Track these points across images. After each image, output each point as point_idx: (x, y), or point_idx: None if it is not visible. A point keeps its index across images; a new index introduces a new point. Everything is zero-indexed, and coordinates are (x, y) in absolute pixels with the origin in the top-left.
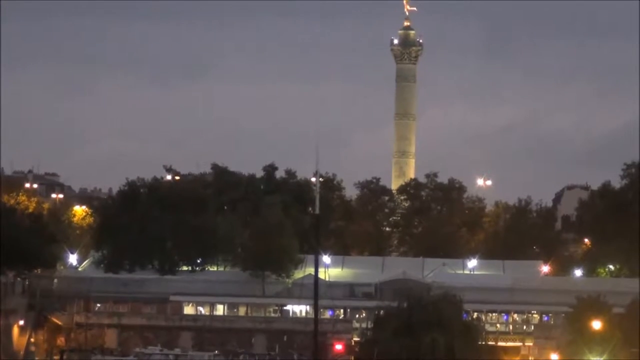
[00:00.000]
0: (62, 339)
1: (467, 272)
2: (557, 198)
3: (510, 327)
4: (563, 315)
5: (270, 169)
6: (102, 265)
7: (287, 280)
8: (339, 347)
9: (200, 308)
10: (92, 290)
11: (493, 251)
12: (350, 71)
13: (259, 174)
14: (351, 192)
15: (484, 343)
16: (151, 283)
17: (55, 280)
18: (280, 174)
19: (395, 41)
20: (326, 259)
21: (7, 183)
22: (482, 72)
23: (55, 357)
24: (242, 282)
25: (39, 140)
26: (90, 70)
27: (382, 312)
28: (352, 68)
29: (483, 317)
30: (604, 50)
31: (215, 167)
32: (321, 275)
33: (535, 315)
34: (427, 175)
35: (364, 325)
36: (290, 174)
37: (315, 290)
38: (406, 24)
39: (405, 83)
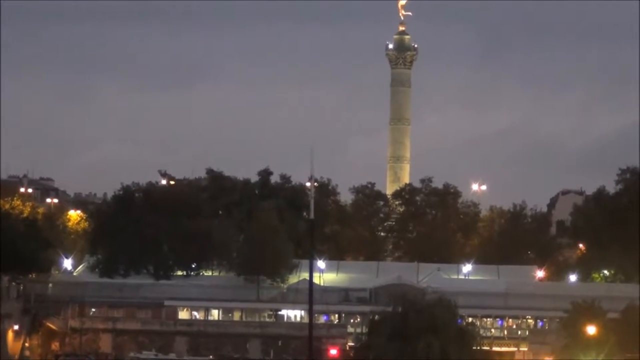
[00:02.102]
0: (57, 343)
1: (461, 277)
2: (552, 203)
3: (505, 332)
4: (558, 320)
5: (265, 174)
6: (96, 270)
7: (282, 285)
8: (333, 352)
9: (195, 313)
10: (87, 295)
11: (488, 256)
12: (345, 76)
13: (254, 178)
14: (346, 197)
15: (478, 348)
16: (146, 288)
17: (50, 285)
18: (275, 178)
19: (390, 46)
20: (321, 264)
21: (1, 188)
22: (477, 76)
23: None
24: (236, 287)
25: (34, 145)
26: (85, 74)
27: (376, 317)
28: (347, 73)
29: (478, 322)
30: (599, 56)
31: (210, 171)
32: (316, 280)
33: (530, 320)
34: (422, 180)
35: (358, 330)
36: (285, 178)
37: (310, 295)
38: (401, 28)
39: (400, 88)
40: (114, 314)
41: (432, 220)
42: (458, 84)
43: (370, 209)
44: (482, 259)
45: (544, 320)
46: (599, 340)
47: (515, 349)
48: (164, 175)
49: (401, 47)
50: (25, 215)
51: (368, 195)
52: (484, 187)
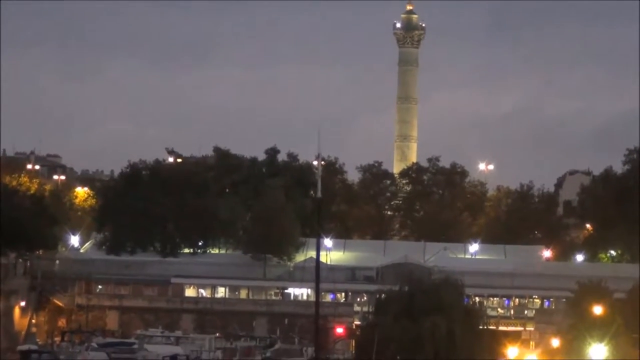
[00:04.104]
0: (64, 320)
1: (468, 256)
2: (559, 183)
3: (512, 311)
4: (564, 300)
5: (272, 152)
6: (103, 247)
7: (289, 263)
8: (340, 330)
9: (202, 290)
10: (94, 272)
11: (494, 236)
12: (352, 55)
13: (261, 157)
14: (353, 176)
15: (485, 327)
16: (153, 265)
17: (57, 262)
18: (282, 157)
19: (398, 25)
20: (328, 242)
21: (9, 164)
22: (485, 56)
23: (57, 339)
24: (243, 265)
25: (41, 122)
26: (93, 52)
27: (383, 296)
28: (355, 52)
29: (484, 302)
30: (608, 36)
31: (217, 149)
32: (323, 258)
33: (536, 300)
34: (429, 160)
35: (365, 309)
36: (292, 157)
37: (317, 274)
38: (409, 7)
39: (407, 67)
40: (120, 291)
41: (439, 200)
42: (465, 64)
43: (377, 188)
44: (489, 238)
45: (551, 300)
46: (605, 320)
47: (521, 328)
48: (171, 153)
49: (409, 26)
50: (32, 192)
51: (375, 174)
52: (491, 167)
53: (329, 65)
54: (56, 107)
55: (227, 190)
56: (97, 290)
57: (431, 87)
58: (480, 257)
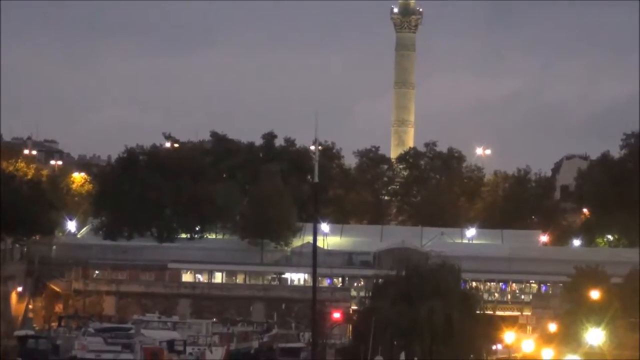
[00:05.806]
0: (61, 305)
1: (465, 241)
2: (556, 168)
3: (509, 296)
4: (561, 284)
5: (270, 137)
6: (100, 232)
7: (286, 248)
8: (336, 315)
9: (199, 276)
10: (91, 257)
11: (492, 220)
12: (350, 40)
13: (258, 142)
14: (350, 161)
15: (482, 312)
16: (150, 250)
17: (54, 247)
18: (279, 142)
19: (395, 10)
20: (325, 227)
21: (6, 149)
22: (483, 41)
23: (54, 324)
24: (240, 250)
25: (38, 107)
26: (91, 37)
27: (380, 280)
28: (352, 37)
29: (481, 287)
30: (607, 20)
31: (214, 134)
32: (320, 243)
33: (533, 285)
34: (426, 144)
35: (362, 293)
36: (289, 142)
37: (314, 259)
38: None
39: (404, 52)
40: (117, 277)
41: (436, 185)
42: (463, 49)
43: (374, 173)
44: (486, 223)
45: (548, 284)
46: (602, 305)
47: (518, 313)
48: (168, 138)
49: (406, 10)
50: (29, 177)
51: (372, 159)
52: (488, 152)
53: (326, 50)
54: (53, 92)
55: (224, 175)
56: (94, 275)
57: (428, 72)
58: (477, 242)
